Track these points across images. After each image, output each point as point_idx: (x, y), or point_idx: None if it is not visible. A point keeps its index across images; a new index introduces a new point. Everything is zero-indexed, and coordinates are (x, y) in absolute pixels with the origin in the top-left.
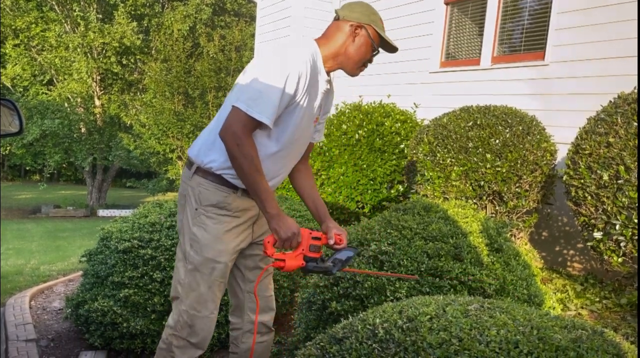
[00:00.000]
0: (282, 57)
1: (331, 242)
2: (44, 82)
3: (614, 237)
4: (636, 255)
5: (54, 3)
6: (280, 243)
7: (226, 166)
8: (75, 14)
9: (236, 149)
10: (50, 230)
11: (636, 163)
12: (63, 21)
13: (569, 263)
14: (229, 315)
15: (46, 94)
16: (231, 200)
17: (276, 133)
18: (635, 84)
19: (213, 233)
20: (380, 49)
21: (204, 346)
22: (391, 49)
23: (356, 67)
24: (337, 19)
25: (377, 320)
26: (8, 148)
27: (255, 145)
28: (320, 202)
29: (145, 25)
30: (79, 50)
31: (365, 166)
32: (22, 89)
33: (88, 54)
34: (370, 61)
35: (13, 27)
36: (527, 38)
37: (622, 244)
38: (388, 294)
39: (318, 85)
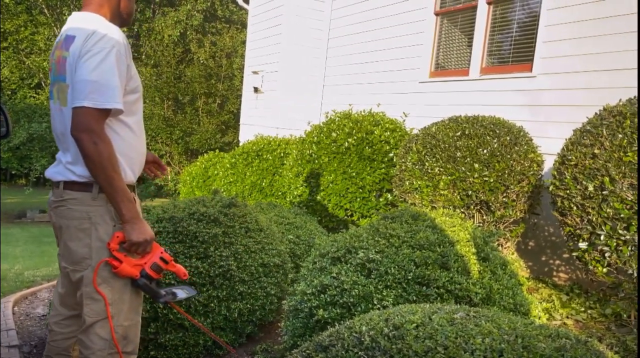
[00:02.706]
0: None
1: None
2: (32, 86)
3: (599, 248)
4: (621, 265)
5: (43, 6)
6: (128, 245)
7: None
8: (64, 17)
9: (93, 147)
10: (35, 235)
11: (620, 174)
12: (52, 24)
13: (555, 273)
14: (54, 325)
15: (34, 97)
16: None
17: (135, 111)
18: (620, 96)
19: None
20: None
21: (137, 351)
22: None
23: (129, 18)
24: None
25: (364, 328)
26: None
27: (111, 142)
28: None
29: (136, 30)
30: None
31: (354, 174)
32: (9, 92)
33: None
34: (135, 9)
35: (2, 30)
36: (516, 50)
37: (606, 255)
38: (375, 302)
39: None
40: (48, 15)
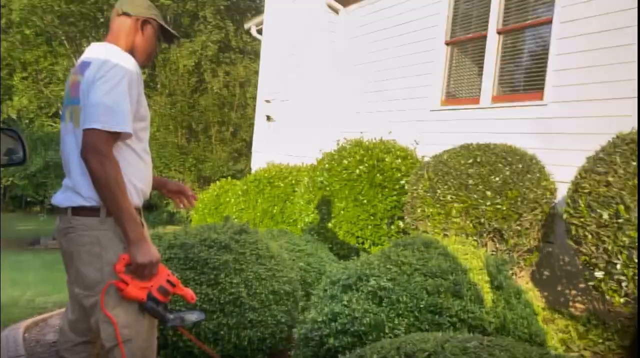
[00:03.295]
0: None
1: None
2: (49, 114)
3: (616, 277)
4: (637, 294)
5: (63, 38)
6: (134, 267)
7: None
8: (83, 48)
9: (100, 168)
10: (47, 262)
11: (636, 202)
12: (71, 56)
13: (571, 303)
14: (65, 352)
15: (51, 125)
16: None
17: (142, 138)
18: (633, 124)
19: None
20: (165, 40)
21: None
22: (175, 37)
23: (147, 59)
24: (121, 14)
25: (375, 357)
26: (10, 179)
27: (119, 164)
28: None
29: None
30: None
31: (365, 201)
32: (27, 121)
33: None
34: (157, 53)
35: (22, 61)
36: (527, 78)
37: (623, 284)
38: (387, 331)
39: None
40: (67, 46)
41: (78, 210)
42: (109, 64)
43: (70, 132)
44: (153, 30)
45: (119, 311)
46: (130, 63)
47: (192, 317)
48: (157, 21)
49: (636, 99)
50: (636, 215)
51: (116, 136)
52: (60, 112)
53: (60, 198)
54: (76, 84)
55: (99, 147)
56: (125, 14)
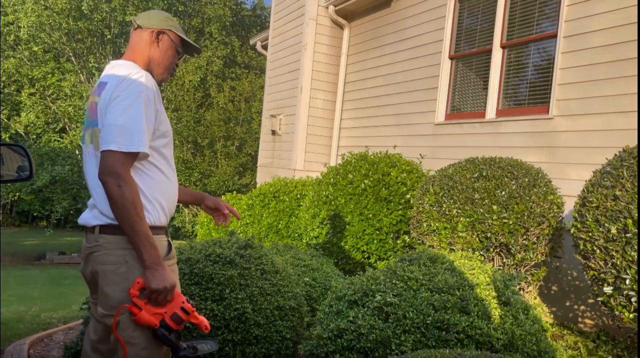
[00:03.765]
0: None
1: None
2: (56, 130)
3: (625, 292)
4: None
5: (70, 54)
6: (148, 293)
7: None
8: (90, 65)
9: (117, 191)
10: (53, 277)
11: None
12: (79, 72)
13: (580, 319)
14: None
15: (58, 141)
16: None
17: (166, 154)
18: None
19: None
20: (184, 52)
21: None
22: (195, 49)
23: (165, 72)
24: (136, 28)
25: None
26: (17, 194)
27: (136, 186)
28: (187, 189)
29: None
30: None
31: (371, 216)
32: (35, 136)
33: None
34: (177, 65)
35: (30, 77)
36: (531, 92)
37: (632, 299)
38: (393, 347)
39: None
40: (75, 62)
41: (105, 228)
42: (125, 83)
43: (91, 155)
44: (170, 42)
45: (139, 333)
46: (146, 80)
47: (206, 347)
48: (174, 32)
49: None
50: None
51: (133, 156)
52: (67, 128)
53: (88, 217)
54: (94, 106)
55: (116, 169)
56: (140, 27)
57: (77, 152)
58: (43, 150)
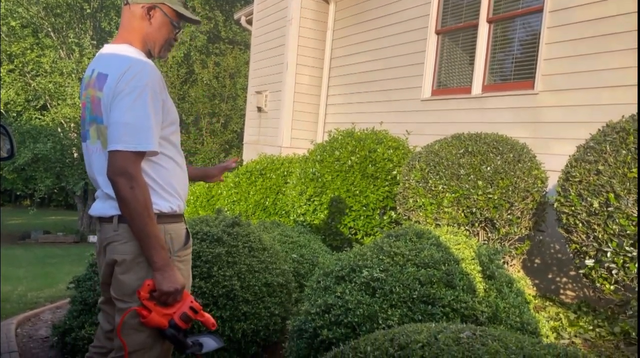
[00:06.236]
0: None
1: (202, 319)
2: (37, 107)
3: (606, 265)
4: (628, 283)
5: (49, 30)
6: (158, 295)
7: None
8: (70, 40)
9: (129, 192)
10: (39, 256)
11: (625, 191)
12: (58, 47)
13: (562, 291)
14: (97, 355)
15: (39, 118)
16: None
17: (175, 142)
18: (623, 112)
19: (187, 275)
20: (180, 25)
21: None
22: (193, 21)
23: (162, 50)
24: (126, 4)
25: (369, 348)
26: None
27: (147, 186)
28: (190, 168)
29: None
30: (73, 75)
31: (358, 192)
32: (15, 114)
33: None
34: (175, 40)
35: (8, 53)
36: (517, 67)
37: (614, 272)
38: (380, 322)
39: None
40: (54, 38)
41: (123, 218)
42: (127, 76)
43: (99, 151)
44: (163, 17)
45: (144, 327)
46: (149, 69)
47: (210, 343)
48: (167, 5)
49: (622, 88)
50: (626, 203)
51: (142, 155)
52: (48, 105)
53: (103, 207)
54: (96, 101)
55: (126, 169)
56: (128, 3)
57: (59, 129)
58: (24, 128)
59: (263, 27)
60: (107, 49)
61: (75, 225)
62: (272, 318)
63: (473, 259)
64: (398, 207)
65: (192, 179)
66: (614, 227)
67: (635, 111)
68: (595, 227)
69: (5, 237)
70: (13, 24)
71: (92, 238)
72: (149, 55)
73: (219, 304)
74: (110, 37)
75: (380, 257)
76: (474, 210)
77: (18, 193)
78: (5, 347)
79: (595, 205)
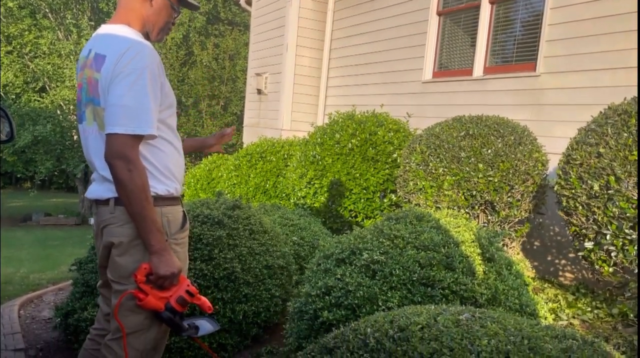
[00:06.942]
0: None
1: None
2: (36, 89)
3: (605, 247)
4: (627, 265)
5: (47, 11)
6: (155, 278)
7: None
8: (68, 21)
9: (127, 175)
10: (40, 238)
11: (626, 173)
12: (56, 28)
13: (560, 273)
14: (98, 337)
15: (38, 101)
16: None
17: (172, 125)
18: (625, 95)
19: (183, 258)
20: (180, 9)
21: None
22: (192, 7)
23: (161, 33)
24: None
25: (369, 330)
26: None
27: (145, 170)
28: (187, 140)
29: None
30: (71, 57)
31: (358, 175)
32: (14, 96)
33: None
34: (173, 23)
35: (6, 34)
36: (519, 49)
37: (612, 254)
38: (380, 304)
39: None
40: (52, 19)
41: (120, 200)
42: (126, 58)
43: (96, 133)
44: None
45: (138, 315)
46: (148, 51)
47: (206, 326)
48: None
49: (624, 70)
50: (626, 186)
51: (140, 138)
52: (47, 87)
53: (99, 190)
54: (93, 82)
55: (124, 152)
56: None
57: (58, 112)
58: (23, 110)
59: (263, 8)
60: (105, 29)
61: (76, 208)
62: (273, 300)
63: (473, 242)
64: (398, 190)
65: (191, 150)
66: (614, 209)
67: (636, 93)
68: (595, 209)
69: (6, 219)
70: (10, 4)
71: (93, 221)
72: (146, 37)
73: (220, 286)
74: (108, 18)
75: (381, 239)
76: (474, 192)
77: (18, 175)
78: (9, 328)
79: (596, 187)
